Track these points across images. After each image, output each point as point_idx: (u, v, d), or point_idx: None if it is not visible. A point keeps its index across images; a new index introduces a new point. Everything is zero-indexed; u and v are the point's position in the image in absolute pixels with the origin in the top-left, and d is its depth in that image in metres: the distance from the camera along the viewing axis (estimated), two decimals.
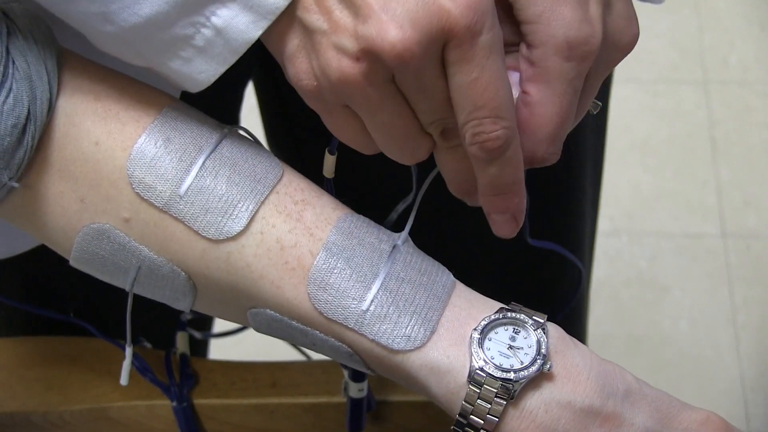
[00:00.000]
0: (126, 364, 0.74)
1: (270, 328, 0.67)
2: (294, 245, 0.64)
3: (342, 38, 0.59)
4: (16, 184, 0.63)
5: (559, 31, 0.60)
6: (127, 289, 0.67)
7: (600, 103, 0.68)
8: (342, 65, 0.59)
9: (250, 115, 1.12)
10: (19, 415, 0.85)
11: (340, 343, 0.64)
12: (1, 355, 0.89)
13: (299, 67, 0.62)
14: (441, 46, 0.58)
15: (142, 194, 0.64)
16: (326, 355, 0.67)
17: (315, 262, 0.64)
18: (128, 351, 0.73)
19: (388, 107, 0.61)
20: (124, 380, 0.74)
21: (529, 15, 0.61)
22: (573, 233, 1.07)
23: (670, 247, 2.27)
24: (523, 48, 0.63)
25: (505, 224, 0.65)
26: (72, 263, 0.67)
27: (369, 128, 0.63)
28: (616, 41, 0.64)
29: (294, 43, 0.62)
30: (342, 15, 0.59)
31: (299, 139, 1.04)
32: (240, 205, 0.64)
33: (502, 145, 0.60)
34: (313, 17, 0.60)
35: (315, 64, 0.61)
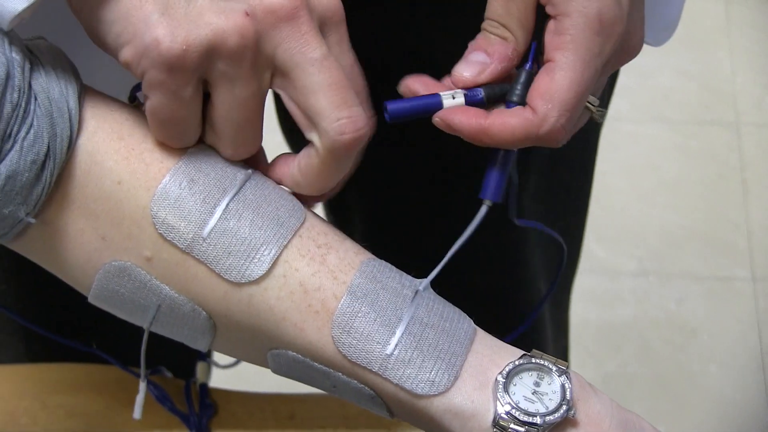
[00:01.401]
0: (139, 399, 0.74)
1: (290, 369, 0.67)
2: (318, 288, 0.64)
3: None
4: (33, 220, 0.63)
5: (593, 5, 0.63)
6: (145, 327, 0.67)
7: (606, 111, 0.69)
8: (232, 21, 0.60)
9: None
10: None
11: (362, 385, 0.64)
12: (25, 381, 0.89)
13: (158, 31, 0.61)
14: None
15: (165, 234, 0.63)
16: (346, 398, 0.67)
17: (339, 306, 0.64)
18: (142, 386, 0.73)
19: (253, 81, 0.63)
20: (137, 414, 0.74)
21: None
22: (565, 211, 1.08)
23: (699, 290, 2.25)
24: (550, 23, 0.65)
25: (314, 201, 0.69)
26: (91, 300, 0.67)
27: (217, 109, 0.64)
28: (629, 40, 0.66)
29: (148, 8, 0.61)
30: None
31: None
32: (263, 249, 0.64)
33: (363, 136, 0.63)
34: None
35: (185, 27, 0.61)
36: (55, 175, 0.63)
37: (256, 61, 0.62)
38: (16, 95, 0.61)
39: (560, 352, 1.25)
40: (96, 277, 0.65)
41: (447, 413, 0.63)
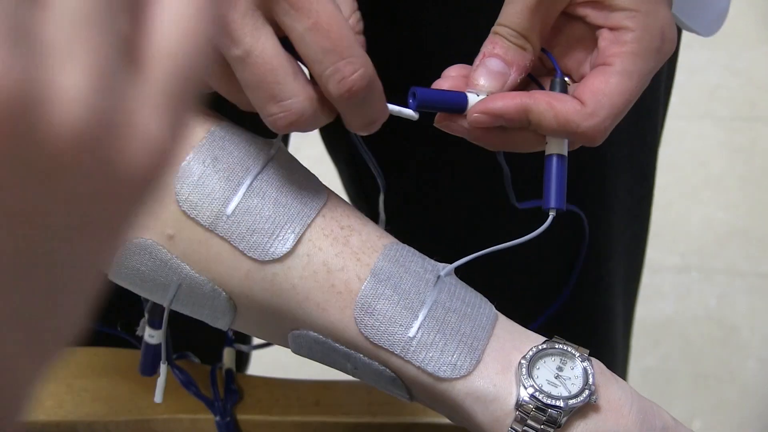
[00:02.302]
0: (161, 382, 0.74)
1: (311, 350, 0.67)
2: (341, 269, 0.64)
3: None
4: None
5: (656, 23, 0.64)
6: (165, 305, 0.67)
7: None
8: None
9: None
10: (65, 425, 0.86)
11: (383, 368, 0.64)
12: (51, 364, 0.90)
13: None
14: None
15: (188, 212, 0.64)
16: (367, 381, 0.67)
17: (363, 288, 0.64)
18: (163, 368, 0.73)
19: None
20: (158, 398, 0.75)
21: (628, 3, 0.64)
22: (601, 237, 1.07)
23: (741, 286, 2.23)
24: (605, 32, 0.65)
25: (365, 126, 0.65)
26: (110, 277, 0.67)
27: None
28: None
29: None
30: None
31: None
32: (287, 227, 0.64)
33: (367, 83, 0.60)
34: None
35: None
36: None
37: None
38: None
39: (627, 347, 1.24)
40: (116, 255, 0.65)
41: (469, 396, 0.63)
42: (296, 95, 0.61)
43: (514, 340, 0.65)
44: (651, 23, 0.64)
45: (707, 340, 2.16)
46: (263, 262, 0.64)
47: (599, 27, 0.66)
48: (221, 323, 0.67)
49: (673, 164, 2.45)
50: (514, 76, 0.66)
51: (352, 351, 0.65)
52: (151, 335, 0.81)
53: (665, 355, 2.12)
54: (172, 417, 0.86)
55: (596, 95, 0.64)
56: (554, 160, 0.67)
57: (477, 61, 0.67)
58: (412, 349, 0.63)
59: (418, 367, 0.63)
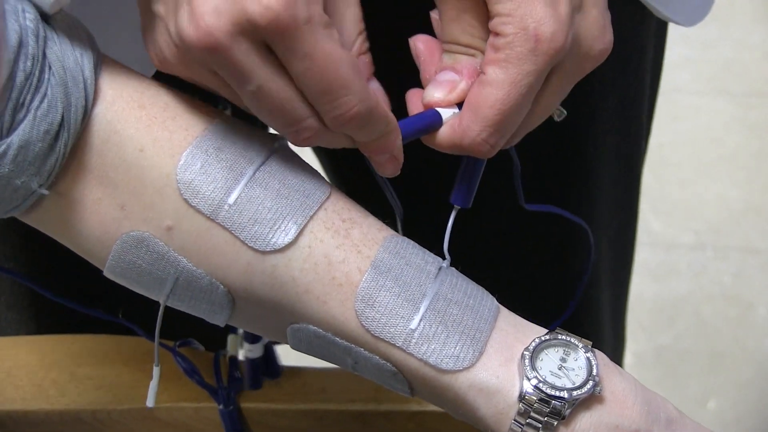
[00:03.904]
0: (153, 384, 0.73)
1: (310, 345, 0.66)
2: (342, 261, 0.63)
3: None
4: (46, 192, 0.62)
5: (529, 24, 0.62)
6: (161, 301, 0.66)
7: (564, 111, 0.71)
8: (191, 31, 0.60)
9: None
10: (68, 413, 0.86)
11: (384, 362, 0.64)
12: (54, 352, 0.89)
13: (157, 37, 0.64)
14: (256, 39, 0.59)
15: (190, 200, 0.63)
16: (367, 376, 0.66)
17: (363, 279, 0.63)
18: (156, 371, 0.72)
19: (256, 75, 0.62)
20: (150, 402, 0.73)
21: (503, 9, 0.63)
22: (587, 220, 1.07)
23: (756, 263, 2.22)
24: (491, 38, 0.64)
25: (387, 163, 0.67)
26: (106, 273, 0.66)
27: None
28: (588, 48, 0.65)
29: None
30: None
31: None
32: (289, 218, 0.63)
33: (366, 114, 0.62)
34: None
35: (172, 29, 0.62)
36: (69, 146, 0.62)
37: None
38: (29, 63, 0.60)
39: (619, 337, 1.25)
40: (113, 248, 0.64)
41: (472, 389, 0.62)
42: (311, 115, 0.62)
43: (516, 332, 0.64)
44: (524, 25, 0.62)
45: (722, 318, 2.15)
46: (264, 253, 0.63)
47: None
48: (219, 318, 0.66)
49: (686, 140, 2.44)
50: (465, 82, 0.67)
51: (353, 345, 0.64)
52: (250, 350, 0.86)
53: (680, 334, 2.11)
54: (175, 405, 0.86)
55: (470, 109, 0.65)
56: (465, 159, 0.70)
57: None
58: (414, 341, 0.62)
59: (420, 360, 0.62)
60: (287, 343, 0.68)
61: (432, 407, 0.84)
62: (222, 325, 0.67)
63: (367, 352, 0.64)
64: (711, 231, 2.28)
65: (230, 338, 0.88)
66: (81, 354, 0.89)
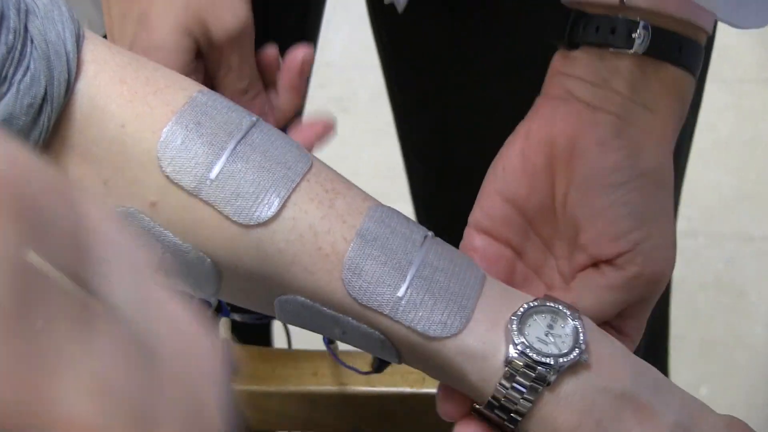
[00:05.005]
0: None
1: (298, 316, 0.66)
2: (327, 231, 0.63)
3: None
4: None
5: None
6: None
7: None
8: None
9: None
10: None
11: (372, 330, 0.64)
12: None
13: None
14: None
15: (171, 177, 0.63)
16: (355, 345, 0.66)
17: (350, 249, 0.63)
18: None
19: None
20: None
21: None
22: None
23: (749, 251, 2.22)
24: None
25: None
26: None
27: None
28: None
29: None
30: None
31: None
32: (271, 191, 0.63)
33: None
34: None
35: None
36: (53, 120, 0.62)
37: None
38: (11, 37, 0.59)
39: None
40: None
41: (459, 355, 0.62)
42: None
43: (503, 298, 0.65)
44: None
45: (715, 305, 2.15)
46: (248, 227, 0.63)
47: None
48: (206, 291, 0.66)
49: None
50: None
51: (341, 314, 0.64)
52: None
53: (672, 321, 2.10)
54: None
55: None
56: None
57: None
58: (401, 309, 0.62)
59: (408, 327, 0.62)
60: (275, 316, 0.68)
61: (423, 390, 0.84)
62: (210, 298, 0.68)
63: (355, 321, 0.64)
64: (704, 218, 2.28)
65: (222, 321, 0.88)
66: None
